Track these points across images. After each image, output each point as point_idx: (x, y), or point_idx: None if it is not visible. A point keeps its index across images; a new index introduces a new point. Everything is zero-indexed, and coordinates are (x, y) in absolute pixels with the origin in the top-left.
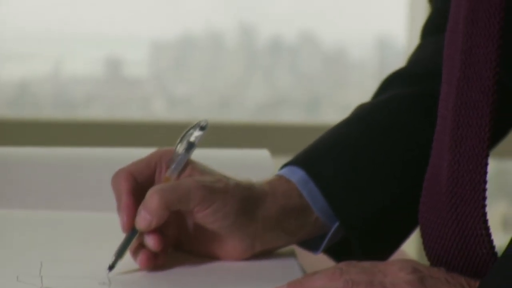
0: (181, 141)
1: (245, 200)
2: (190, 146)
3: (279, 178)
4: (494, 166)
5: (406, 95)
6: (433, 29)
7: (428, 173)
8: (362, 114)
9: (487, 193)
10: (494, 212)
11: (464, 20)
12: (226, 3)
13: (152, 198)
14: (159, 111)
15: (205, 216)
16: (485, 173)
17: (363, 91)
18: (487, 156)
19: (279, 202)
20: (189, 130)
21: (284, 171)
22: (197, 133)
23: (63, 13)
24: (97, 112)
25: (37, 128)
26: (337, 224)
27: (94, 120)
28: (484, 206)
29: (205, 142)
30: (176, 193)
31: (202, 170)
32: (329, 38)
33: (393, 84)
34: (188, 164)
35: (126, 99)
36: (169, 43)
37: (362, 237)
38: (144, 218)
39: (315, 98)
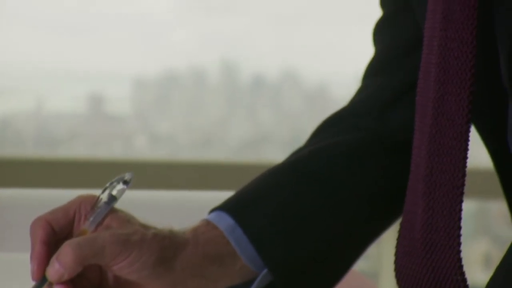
0: (104, 191)
1: (163, 250)
2: (111, 200)
3: (206, 224)
4: (475, 205)
5: (343, 142)
6: (374, 72)
7: (402, 220)
8: (297, 161)
9: (469, 232)
10: (475, 251)
11: (435, 67)
12: (208, 40)
13: (66, 252)
14: (141, 148)
15: (121, 269)
16: (460, 219)
17: None
18: (461, 202)
19: (201, 249)
20: (113, 182)
21: (212, 217)
22: (119, 187)
23: (46, 49)
24: (79, 149)
25: (18, 166)
26: (265, 271)
27: (76, 159)
28: (459, 252)
29: (189, 181)
30: (90, 249)
31: (122, 219)
32: (311, 76)
33: (333, 126)
34: (108, 213)
35: (109, 136)
36: (151, 80)
37: (289, 285)
38: (57, 271)
39: (297, 135)
